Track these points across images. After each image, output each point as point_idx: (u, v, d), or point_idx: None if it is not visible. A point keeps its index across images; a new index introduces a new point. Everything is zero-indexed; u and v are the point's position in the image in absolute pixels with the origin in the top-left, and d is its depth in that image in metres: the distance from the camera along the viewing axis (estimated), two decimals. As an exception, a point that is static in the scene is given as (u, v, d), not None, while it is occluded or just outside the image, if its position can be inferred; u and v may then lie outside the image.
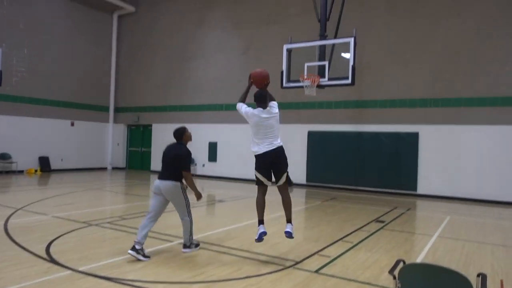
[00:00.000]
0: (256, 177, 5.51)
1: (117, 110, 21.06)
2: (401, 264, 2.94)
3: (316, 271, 4.93)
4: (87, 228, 6.94)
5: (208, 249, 5.79)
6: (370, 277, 4.76)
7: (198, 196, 5.75)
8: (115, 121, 21.06)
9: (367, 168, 14.02)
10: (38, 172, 17.16)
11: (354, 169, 14.27)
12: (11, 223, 7.09)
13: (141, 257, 5.11)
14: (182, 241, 5.86)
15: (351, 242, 6.49)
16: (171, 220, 7.98)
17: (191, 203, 5.80)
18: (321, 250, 5.93)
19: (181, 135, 5.78)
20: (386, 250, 6.06)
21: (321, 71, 10.67)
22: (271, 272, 4.84)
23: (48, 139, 17.94)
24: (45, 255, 5.21)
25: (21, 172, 16.75)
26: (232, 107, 17.14)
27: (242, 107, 5.71)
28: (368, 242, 6.57)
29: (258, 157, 5.46)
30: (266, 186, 5.49)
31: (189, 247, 5.67)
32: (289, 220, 5.41)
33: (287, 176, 5.43)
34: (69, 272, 4.61)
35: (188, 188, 5.68)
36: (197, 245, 5.79)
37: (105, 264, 4.92)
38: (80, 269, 4.70)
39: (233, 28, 17.48)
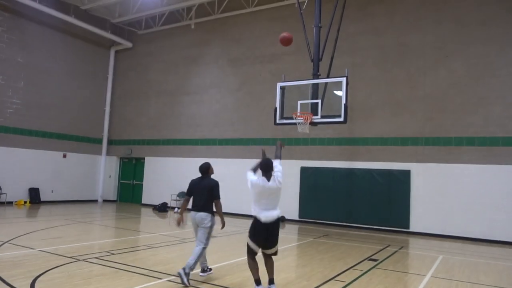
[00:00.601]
0: (248, 245, 5.52)
1: (110, 142, 21.04)
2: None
3: (308, 312, 4.83)
4: (74, 263, 6.78)
5: (198, 287, 5.65)
6: (362, 319, 4.66)
7: (224, 224, 6.45)
8: (108, 153, 20.99)
9: (359, 205, 13.98)
10: (28, 204, 16.88)
11: (346, 206, 14.22)
12: (-4, 257, 6.91)
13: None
14: (170, 278, 5.73)
15: (344, 282, 6.38)
16: (160, 256, 7.85)
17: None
18: (312, 290, 5.83)
19: (207, 170, 6.57)
20: (378, 290, 5.96)
21: (314, 109, 10.83)
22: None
23: (39, 170, 17.77)
24: (29, 292, 5.07)
25: (10, 203, 16.47)
26: (226, 142, 17.33)
27: (249, 176, 5.81)
28: (361, 282, 6.47)
29: (256, 224, 5.45)
30: (256, 253, 5.54)
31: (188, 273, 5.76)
32: (273, 280, 5.46)
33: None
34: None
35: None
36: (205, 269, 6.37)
37: None
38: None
39: (227, 65, 17.84)
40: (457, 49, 13.11)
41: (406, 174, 13.30)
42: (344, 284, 6.25)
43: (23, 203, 16.80)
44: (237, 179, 16.77)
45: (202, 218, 6.19)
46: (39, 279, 5.66)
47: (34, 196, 17.48)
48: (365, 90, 14.28)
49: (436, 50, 13.43)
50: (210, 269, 6.41)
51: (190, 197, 6.48)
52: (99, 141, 20.75)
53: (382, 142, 13.95)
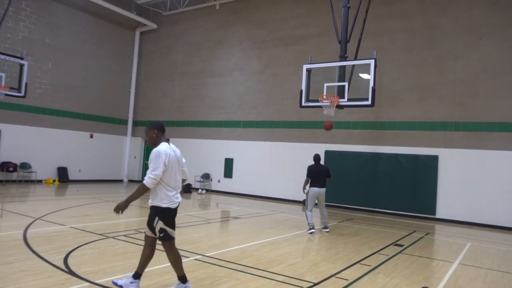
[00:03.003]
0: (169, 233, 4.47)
1: (135, 123, 21.34)
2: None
3: (334, 294, 4.83)
4: (104, 240, 6.96)
5: (225, 267, 5.72)
6: (390, 303, 4.63)
7: None
8: (133, 134, 21.33)
9: (384, 190, 13.83)
10: (56, 182, 17.40)
11: (370, 190, 14.09)
12: (30, 233, 7.15)
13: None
14: (197, 257, 5.83)
15: (369, 266, 6.35)
16: (187, 235, 7.97)
17: None
18: (338, 273, 5.81)
19: (320, 158, 9.84)
20: (405, 276, 5.90)
21: (340, 92, 10.66)
22: (288, 293, 4.76)
23: (67, 150, 18.23)
24: (63, 266, 5.22)
25: (39, 181, 17.01)
26: (249, 125, 17.30)
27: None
28: (387, 266, 6.42)
29: None
30: None
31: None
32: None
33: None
34: (87, 284, 4.61)
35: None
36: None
37: (121, 279, 4.90)
38: (97, 281, 4.70)
39: (251, 47, 17.69)
40: (491, 32, 12.59)
41: (434, 159, 13.03)
42: (370, 268, 6.22)
43: (52, 181, 17.32)
44: (259, 161, 16.84)
45: (324, 191, 9.34)
46: (71, 254, 5.84)
47: (63, 175, 17.98)
48: (393, 73, 13.95)
49: (468, 33, 12.94)
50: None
51: (310, 178, 9.38)
52: (125, 122, 21.08)
53: (410, 127, 13.66)
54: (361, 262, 6.56)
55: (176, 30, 20.26)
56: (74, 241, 6.69)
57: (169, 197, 4.36)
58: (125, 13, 19.52)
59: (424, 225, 11.72)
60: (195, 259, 6.03)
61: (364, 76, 10.83)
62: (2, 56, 13.27)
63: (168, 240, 4.39)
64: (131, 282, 4.39)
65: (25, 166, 16.61)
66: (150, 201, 4.44)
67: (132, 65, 21.22)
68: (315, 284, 5.17)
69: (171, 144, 4.64)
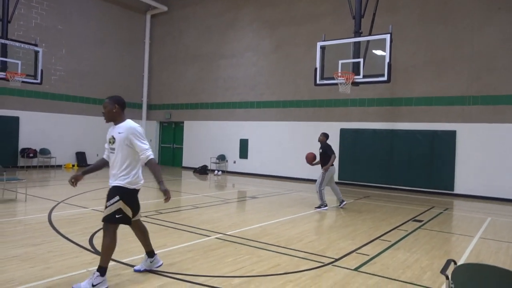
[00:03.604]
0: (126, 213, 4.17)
1: (150, 107, 21.45)
2: (452, 265, 2.85)
3: (356, 269, 4.85)
4: (126, 221, 7.08)
5: (246, 245, 5.79)
6: (412, 277, 4.64)
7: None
8: (148, 118, 21.46)
9: (401, 166, 13.72)
10: (75, 167, 17.70)
11: (387, 167, 14.00)
12: (55, 215, 7.33)
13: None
14: (218, 236, 5.91)
15: (389, 241, 6.35)
16: (206, 215, 8.06)
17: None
18: (358, 249, 5.83)
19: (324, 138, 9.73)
20: (426, 250, 5.89)
21: (355, 69, 10.51)
22: (310, 269, 4.79)
23: (84, 135, 18.47)
24: (89, 247, 5.35)
25: (59, 166, 17.33)
26: (263, 105, 17.23)
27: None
28: (407, 242, 6.41)
29: None
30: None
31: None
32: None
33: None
34: (112, 263, 4.71)
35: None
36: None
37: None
38: (123, 260, 4.81)
39: (263, 28, 17.46)
40: (510, 3, 12.16)
41: (452, 134, 12.83)
42: (390, 243, 6.22)
43: (71, 166, 17.63)
44: (274, 141, 16.83)
45: (333, 168, 9.51)
46: (96, 235, 5.97)
47: (81, 160, 18.27)
48: (408, 49, 13.64)
49: (486, 5, 12.50)
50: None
51: None
52: (139, 106, 21.20)
53: (426, 102, 13.42)
54: (381, 238, 6.57)
55: (187, 12, 20.08)
56: (97, 222, 6.80)
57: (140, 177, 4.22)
58: (135, -4, 19.42)
59: (442, 201, 11.64)
60: (216, 238, 6.11)
61: (379, 52, 10.64)
62: (18, 44, 13.38)
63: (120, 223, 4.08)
64: (151, 262, 4.49)
65: (44, 152, 16.92)
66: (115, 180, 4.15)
67: (144, 49, 21.19)
68: (336, 260, 5.21)
69: None
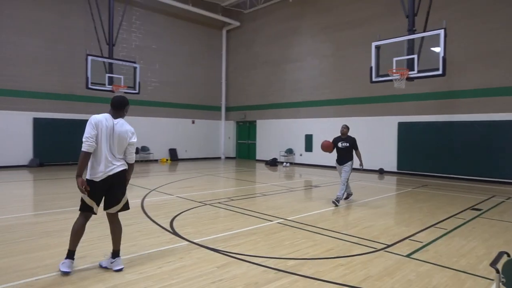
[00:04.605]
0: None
1: (227, 109, 21.91)
2: (505, 257, 2.39)
3: (408, 256, 4.40)
4: (202, 207, 7.23)
5: (304, 229, 5.56)
6: (466, 266, 4.08)
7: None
8: (226, 118, 21.94)
9: (459, 157, 12.42)
10: (169, 161, 18.67)
11: (445, 157, 12.76)
12: (146, 201, 7.71)
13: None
14: (279, 221, 5.76)
15: (444, 229, 5.70)
16: (272, 202, 7.95)
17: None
18: (412, 235, 5.31)
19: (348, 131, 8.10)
20: (483, 239, 5.18)
21: (410, 65, 9.68)
22: (362, 254, 4.44)
23: (175, 134, 19.42)
24: (169, 228, 5.51)
25: (155, 161, 18.40)
26: (325, 103, 16.68)
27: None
28: (463, 230, 5.71)
29: None
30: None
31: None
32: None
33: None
34: (186, 243, 4.79)
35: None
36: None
37: (214, 238, 5.02)
38: (195, 241, 4.86)
39: (322, 33, 16.88)
40: None
41: (510, 124, 11.29)
42: (445, 231, 5.58)
43: (165, 160, 18.63)
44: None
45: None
46: (176, 218, 6.14)
47: (173, 155, 19.23)
48: (462, 42, 12.25)
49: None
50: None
51: None
52: (219, 109, 21.75)
53: (483, 94, 11.97)
54: (436, 226, 5.93)
55: (257, 24, 20.12)
56: (179, 207, 7.05)
57: (92, 169, 3.69)
58: (212, 15, 19.89)
59: (504, 190, 10.30)
60: (277, 223, 5.96)
61: (434, 48, 9.67)
62: (120, 62, 14.38)
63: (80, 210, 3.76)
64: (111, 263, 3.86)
65: (144, 149, 18.07)
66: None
67: (222, 59, 21.67)
68: (389, 246, 4.77)
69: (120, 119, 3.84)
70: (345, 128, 7.91)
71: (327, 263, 4.12)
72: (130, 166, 3.93)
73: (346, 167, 7.73)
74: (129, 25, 17.49)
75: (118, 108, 3.80)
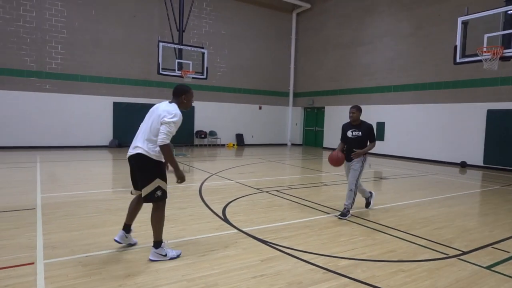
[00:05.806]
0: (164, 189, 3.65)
1: (295, 95, 21.40)
2: None
3: (488, 268, 3.68)
4: (259, 194, 7.02)
5: (363, 225, 5.05)
6: None
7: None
8: (294, 104, 21.47)
9: None
10: (235, 146, 18.90)
11: (546, 152, 10.89)
12: (205, 185, 7.74)
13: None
14: (337, 213, 5.30)
15: (540, 238, 4.74)
16: (331, 193, 7.47)
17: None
18: (496, 243, 4.48)
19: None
20: None
21: (506, 42, 8.27)
22: (429, 260, 3.83)
23: (242, 120, 19.55)
24: (220, 214, 5.39)
25: (223, 145, 18.76)
26: (400, 88, 15.32)
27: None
28: None
29: None
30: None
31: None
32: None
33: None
34: (235, 231, 4.61)
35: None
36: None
37: (264, 228, 4.77)
38: (244, 229, 4.66)
39: (401, 11, 15.37)
40: None
41: None
42: (541, 240, 4.63)
43: (232, 145, 18.89)
44: (412, 123, 14.87)
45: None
46: (230, 204, 6.02)
47: (240, 140, 19.41)
48: None
49: None
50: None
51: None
52: (286, 94, 21.35)
53: None
54: (529, 233, 4.97)
55: (328, 5, 19.11)
56: (235, 193, 6.94)
57: None
58: (282, -2, 19.38)
59: None
60: (335, 216, 5.51)
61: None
62: (189, 48, 14.71)
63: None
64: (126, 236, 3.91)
65: (212, 133, 18.50)
66: None
67: (291, 43, 21.11)
68: (464, 253, 4.06)
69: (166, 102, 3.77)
70: (357, 111, 5.72)
71: (385, 267, 3.61)
72: (161, 149, 3.49)
73: (356, 164, 5.57)
74: (199, 11, 17.79)
75: (174, 95, 3.81)
